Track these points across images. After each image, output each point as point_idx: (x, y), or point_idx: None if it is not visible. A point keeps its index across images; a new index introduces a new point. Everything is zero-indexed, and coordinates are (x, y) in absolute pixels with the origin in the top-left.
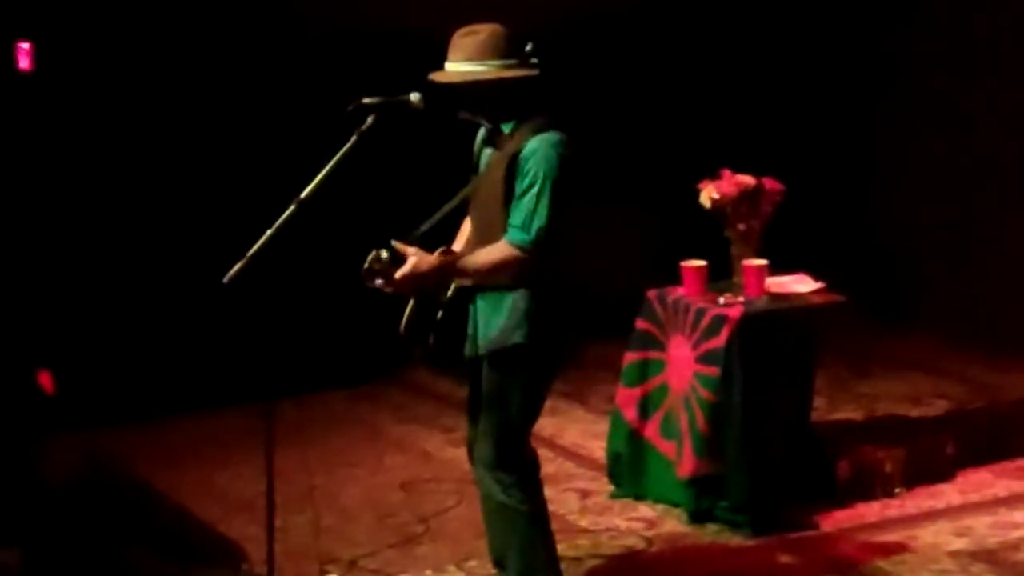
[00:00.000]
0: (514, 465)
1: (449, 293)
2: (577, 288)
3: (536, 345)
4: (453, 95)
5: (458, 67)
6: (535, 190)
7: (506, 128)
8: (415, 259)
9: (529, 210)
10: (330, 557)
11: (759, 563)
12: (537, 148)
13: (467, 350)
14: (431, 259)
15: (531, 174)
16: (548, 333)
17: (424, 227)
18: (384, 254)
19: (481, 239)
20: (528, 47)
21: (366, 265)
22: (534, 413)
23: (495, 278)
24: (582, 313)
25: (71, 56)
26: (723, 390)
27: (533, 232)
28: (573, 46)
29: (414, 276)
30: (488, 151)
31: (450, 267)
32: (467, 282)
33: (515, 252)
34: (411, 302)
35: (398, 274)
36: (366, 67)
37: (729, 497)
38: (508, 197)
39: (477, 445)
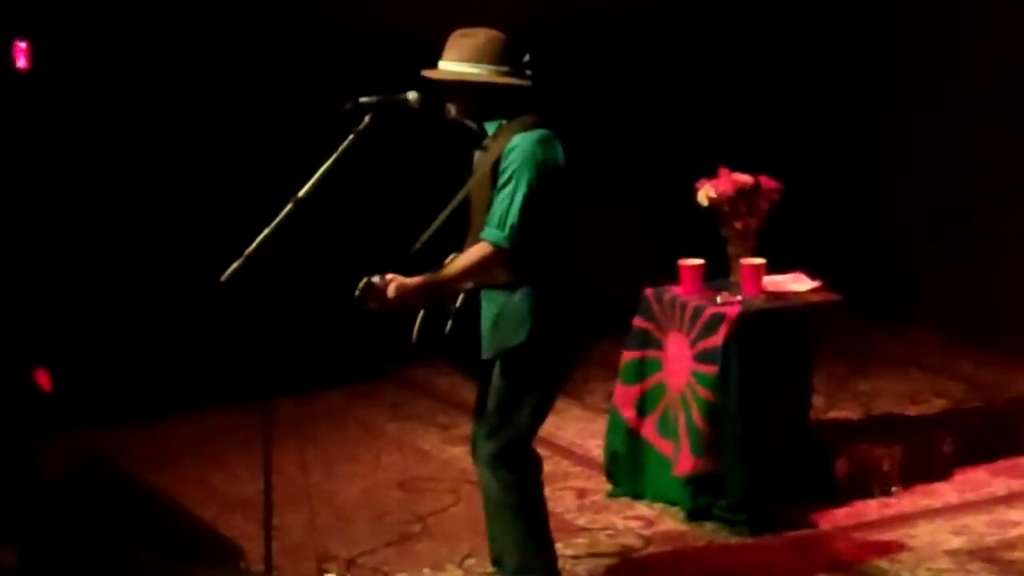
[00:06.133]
0: (516, 465)
1: (458, 303)
2: (587, 289)
3: (539, 345)
4: (444, 94)
5: (451, 66)
6: (511, 187)
7: (491, 129)
8: (402, 278)
9: (504, 207)
10: (328, 555)
11: (757, 562)
12: (517, 145)
13: (481, 353)
14: (416, 279)
15: (508, 171)
16: (552, 333)
17: (419, 243)
18: (376, 278)
19: (476, 242)
20: (525, 58)
21: (357, 292)
22: (540, 415)
23: (478, 278)
24: (593, 314)
25: (69, 55)
26: (720, 389)
27: (507, 229)
28: (571, 43)
29: (404, 294)
30: (478, 154)
31: (437, 279)
32: (465, 286)
33: (489, 249)
34: (420, 312)
35: (391, 292)
36: (363, 67)
37: (727, 496)
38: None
39: (480, 443)
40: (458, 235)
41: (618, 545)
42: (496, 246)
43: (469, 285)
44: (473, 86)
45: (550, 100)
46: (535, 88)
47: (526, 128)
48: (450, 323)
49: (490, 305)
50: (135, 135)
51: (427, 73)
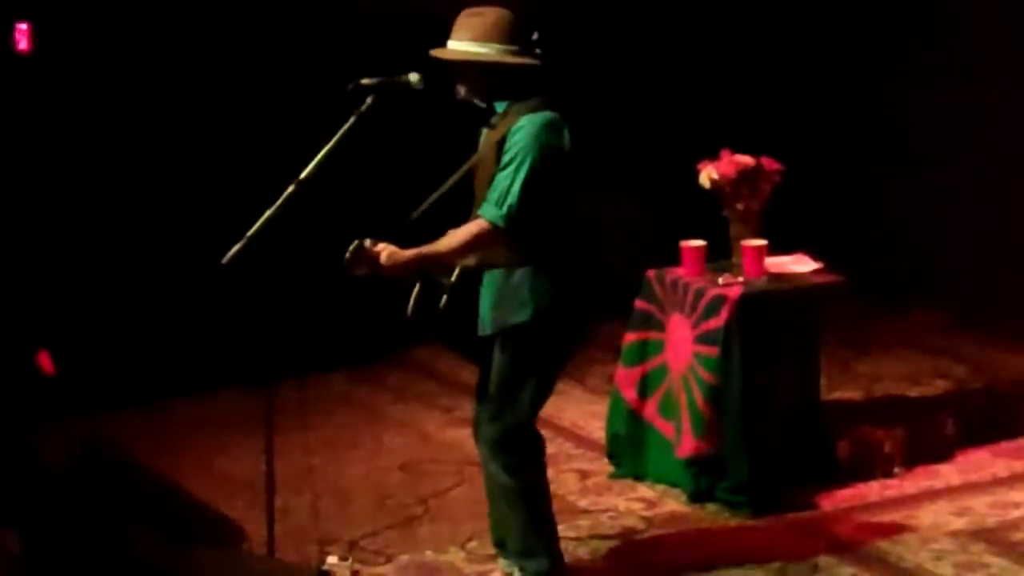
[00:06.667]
0: (519, 448)
1: (453, 277)
2: (590, 270)
3: (541, 324)
4: (452, 74)
5: (460, 46)
6: (512, 167)
7: (500, 108)
8: (395, 248)
9: (504, 186)
10: (330, 538)
11: (759, 544)
12: (523, 126)
13: (478, 330)
14: (410, 251)
15: (512, 151)
16: (553, 314)
17: (415, 214)
18: (367, 242)
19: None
20: (534, 36)
21: (348, 255)
22: (542, 395)
23: (476, 256)
24: (595, 296)
25: (70, 37)
26: (722, 370)
27: (504, 208)
28: (573, 25)
29: (396, 263)
30: (484, 131)
31: (431, 252)
32: (465, 263)
33: (485, 227)
34: (416, 287)
35: (383, 259)
36: (364, 47)
37: (729, 477)
38: None
39: (483, 425)
40: (459, 211)
41: (620, 527)
42: (492, 224)
43: (471, 262)
44: (482, 66)
45: (557, 81)
46: (544, 67)
47: (535, 109)
48: (445, 298)
49: (490, 283)
50: (137, 117)
51: (436, 53)
